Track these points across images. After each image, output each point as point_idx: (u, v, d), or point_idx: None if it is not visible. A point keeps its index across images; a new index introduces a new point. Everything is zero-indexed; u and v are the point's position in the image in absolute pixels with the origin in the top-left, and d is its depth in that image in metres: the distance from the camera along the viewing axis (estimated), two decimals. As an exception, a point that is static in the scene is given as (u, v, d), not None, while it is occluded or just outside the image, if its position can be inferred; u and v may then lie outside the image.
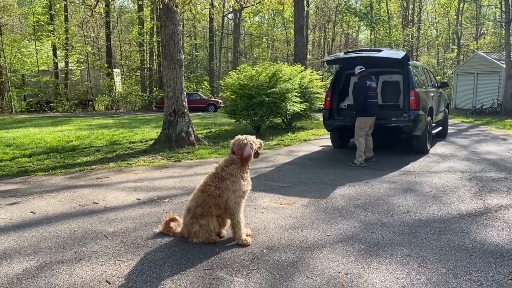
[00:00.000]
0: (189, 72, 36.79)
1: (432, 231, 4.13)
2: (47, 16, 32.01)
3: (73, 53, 35.54)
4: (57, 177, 7.10)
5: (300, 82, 13.13)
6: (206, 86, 36.19)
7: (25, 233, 4.26)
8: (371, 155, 7.94)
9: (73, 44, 36.36)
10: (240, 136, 3.93)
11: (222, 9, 34.02)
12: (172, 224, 4.16)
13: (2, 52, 29.55)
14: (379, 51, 8.75)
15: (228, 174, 3.79)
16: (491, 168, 7.10)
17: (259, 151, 3.98)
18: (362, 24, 41.64)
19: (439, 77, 32.11)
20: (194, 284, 3.10)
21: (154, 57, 37.24)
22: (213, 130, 13.74)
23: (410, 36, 39.42)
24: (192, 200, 3.97)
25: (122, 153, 9.43)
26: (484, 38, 39.51)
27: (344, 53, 9.78)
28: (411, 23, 41.45)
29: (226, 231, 4.04)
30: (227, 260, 3.51)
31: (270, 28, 49.05)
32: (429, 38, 45.28)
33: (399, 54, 8.36)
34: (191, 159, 8.58)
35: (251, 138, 3.93)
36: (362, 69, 7.71)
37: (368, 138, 7.84)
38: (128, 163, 8.24)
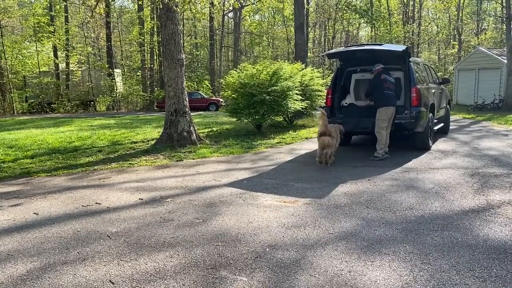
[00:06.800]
0: (190, 72, 36.77)
1: (435, 228, 4.13)
2: (47, 17, 31.99)
3: (74, 54, 35.54)
4: (60, 178, 7.12)
5: (301, 80, 13.10)
6: (207, 85, 36.16)
7: (29, 234, 4.27)
8: (386, 151, 7.96)
9: (73, 45, 36.39)
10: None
11: (222, 8, 34.01)
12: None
13: (3, 54, 29.58)
14: (380, 44, 8.88)
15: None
16: (493, 164, 7.09)
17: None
18: (362, 21, 41.58)
19: (440, 73, 32.06)
20: (197, 284, 3.11)
21: (155, 57, 37.19)
22: (214, 129, 13.74)
23: (410, 33, 39.31)
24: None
25: (124, 153, 9.45)
26: (485, 33, 39.39)
27: (345, 47, 9.85)
28: (411, 20, 41.32)
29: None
30: (230, 259, 3.52)
31: (270, 26, 48.96)
32: (429, 34, 45.16)
33: (400, 47, 8.44)
34: (193, 159, 8.58)
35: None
36: (380, 66, 7.90)
37: (386, 134, 7.91)
38: (130, 163, 8.26)
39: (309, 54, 36.62)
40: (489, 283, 3.02)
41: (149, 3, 27.77)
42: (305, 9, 23.68)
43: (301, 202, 5.14)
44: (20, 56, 31.68)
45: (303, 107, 12.70)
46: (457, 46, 36.60)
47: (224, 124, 15.23)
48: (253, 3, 39.48)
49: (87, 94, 32.45)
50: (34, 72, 31.89)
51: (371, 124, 7.95)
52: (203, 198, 5.47)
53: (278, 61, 14.59)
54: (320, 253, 3.59)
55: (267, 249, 3.70)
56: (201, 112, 25.30)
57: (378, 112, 7.79)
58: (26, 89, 30.75)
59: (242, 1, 36.56)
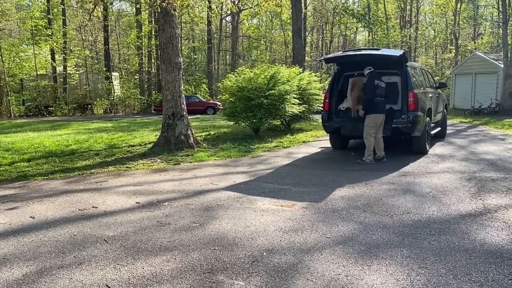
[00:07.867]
0: (187, 75, 36.76)
1: (432, 232, 4.13)
2: (45, 20, 31.95)
3: (72, 57, 35.50)
4: (56, 182, 7.10)
5: (299, 84, 13.13)
6: (204, 89, 36.16)
7: (25, 238, 4.25)
8: (383, 155, 7.97)
9: (71, 48, 36.34)
10: None
11: (220, 12, 34.09)
12: None
13: (0, 57, 29.52)
14: (378, 49, 8.90)
15: None
16: (490, 168, 7.11)
17: None
18: (360, 25, 41.74)
19: (437, 77, 32.16)
20: (194, 288, 3.10)
21: (153, 60, 37.19)
22: (212, 132, 13.74)
23: (408, 37, 39.49)
24: None
25: (121, 156, 9.42)
26: (482, 38, 39.56)
27: (343, 52, 9.88)
28: (408, 24, 41.54)
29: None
30: (227, 263, 3.51)
31: (268, 30, 49.09)
32: (426, 38, 45.34)
33: (397, 52, 8.47)
34: (190, 162, 8.57)
35: None
36: (371, 70, 7.90)
37: (379, 138, 7.92)
38: (127, 167, 8.24)
39: (306, 58, 36.70)
40: (486, 287, 3.02)
41: (147, 7, 27.76)
42: (302, 14, 23.78)
43: (299, 206, 5.13)
44: (17, 59, 31.58)
45: (301, 111, 12.72)
46: (454, 51, 36.75)
47: (221, 128, 15.23)
48: (251, 7, 39.57)
49: (84, 97, 32.39)
50: (32, 75, 31.82)
51: None
52: (200, 202, 5.46)
53: (275, 65, 14.65)
54: (317, 257, 3.58)
55: (264, 253, 3.69)
56: (199, 116, 25.31)
57: (367, 118, 7.80)
58: (23, 92, 30.68)
59: (240, 5, 36.67)
